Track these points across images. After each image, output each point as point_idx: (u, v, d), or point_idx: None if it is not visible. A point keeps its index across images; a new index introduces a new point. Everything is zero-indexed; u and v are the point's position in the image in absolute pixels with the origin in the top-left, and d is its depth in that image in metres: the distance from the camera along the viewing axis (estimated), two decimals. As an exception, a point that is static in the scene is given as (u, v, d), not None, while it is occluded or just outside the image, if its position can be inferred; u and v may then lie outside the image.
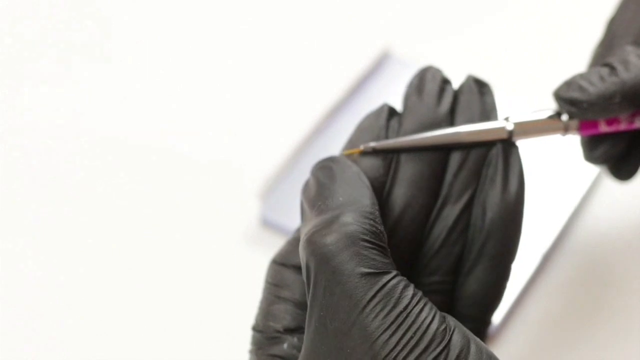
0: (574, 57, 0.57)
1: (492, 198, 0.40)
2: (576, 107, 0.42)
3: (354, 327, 0.35)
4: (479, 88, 0.42)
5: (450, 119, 0.41)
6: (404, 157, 0.40)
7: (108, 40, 0.71)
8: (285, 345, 0.38)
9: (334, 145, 0.47)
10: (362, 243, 0.35)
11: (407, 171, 0.40)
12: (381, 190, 0.40)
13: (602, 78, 0.42)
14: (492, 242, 0.40)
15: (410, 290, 0.35)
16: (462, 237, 0.40)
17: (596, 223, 0.61)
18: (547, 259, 0.60)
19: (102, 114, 0.68)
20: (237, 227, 0.62)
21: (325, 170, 0.39)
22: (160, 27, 0.72)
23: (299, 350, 0.38)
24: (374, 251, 0.36)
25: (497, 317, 0.57)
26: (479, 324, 0.40)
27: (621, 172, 0.48)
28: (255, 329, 0.39)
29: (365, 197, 0.37)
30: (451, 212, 0.40)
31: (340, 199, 0.37)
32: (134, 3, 0.73)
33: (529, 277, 0.59)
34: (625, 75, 0.42)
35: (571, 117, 0.43)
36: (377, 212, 0.37)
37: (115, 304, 0.59)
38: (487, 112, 0.42)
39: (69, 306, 0.59)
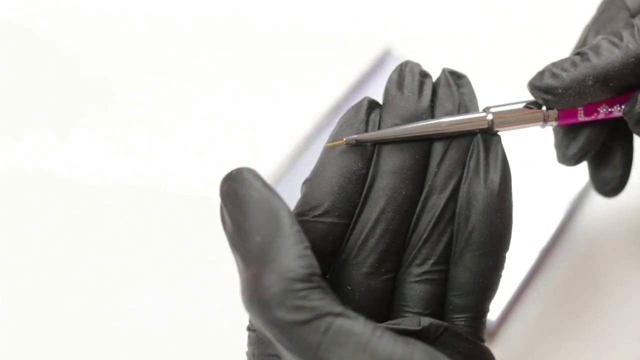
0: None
1: (476, 186, 0.40)
2: (551, 94, 0.42)
3: None
4: (456, 80, 0.43)
5: (431, 112, 0.41)
6: (385, 150, 0.40)
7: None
8: None
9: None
10: (295, 294, 0.35)
11: (389, 163, 0.40)
12: (362, 183, 0.40)
13: (574, 63, 0.42)
14: (479, 230, 0.40)
15: (360, 323, 0.35)
16: (449, 227, 0.40)
17: (593, 221, 0.61)
18: (545, 256, 0.60)
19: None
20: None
21: (231, 197, 0.37)
22: (158, 29, 0.73)
23: None
24: (313, 295, 0.35)
25: (495, 313, 0.57)
26: (475, 314, 0.40)
27: (608, 187, 0.49)
28: (250, 328, 0.39)
29: (282, 223, 0.36)
30: (437, 202, 0.40)
31: (257, 239, 0.36)
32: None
33: (527, 274, 0.59)
34: (596, 59, 0.42)
35: (547, 105, 0.43)
36: (300, 236, 0.36)
37: (113, 304, 0.60)
38: (466, 102, 0.42)
39: (67, 306, 0.60)
